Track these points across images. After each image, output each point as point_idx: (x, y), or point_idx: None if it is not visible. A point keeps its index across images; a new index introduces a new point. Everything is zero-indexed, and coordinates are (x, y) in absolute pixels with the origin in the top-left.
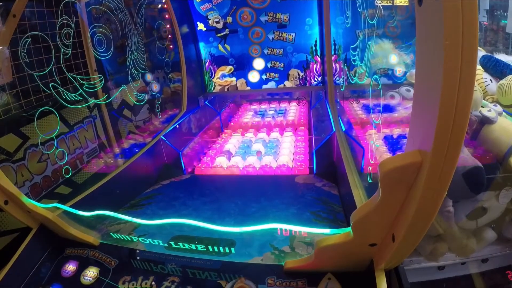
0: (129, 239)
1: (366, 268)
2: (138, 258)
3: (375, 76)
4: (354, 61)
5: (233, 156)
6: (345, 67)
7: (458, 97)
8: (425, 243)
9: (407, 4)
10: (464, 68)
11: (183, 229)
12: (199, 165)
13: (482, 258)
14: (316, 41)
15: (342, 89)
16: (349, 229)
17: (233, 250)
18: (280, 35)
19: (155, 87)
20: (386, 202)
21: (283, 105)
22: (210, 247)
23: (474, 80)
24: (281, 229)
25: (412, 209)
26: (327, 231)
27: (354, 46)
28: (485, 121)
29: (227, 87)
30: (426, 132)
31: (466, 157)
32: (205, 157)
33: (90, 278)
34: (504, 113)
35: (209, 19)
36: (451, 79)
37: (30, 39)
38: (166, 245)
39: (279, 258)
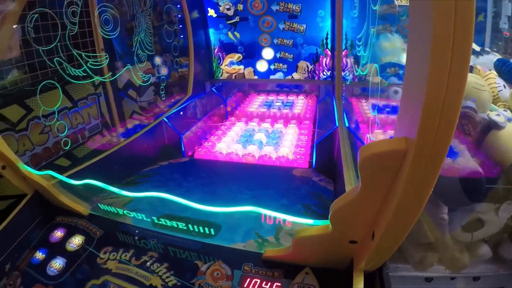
0: (116, 211)
1: (346, 267)
2: (120, 230)
3: (384, 74)
4: (361, 57)
5: (234, 144)
6: (355, 62)
7: (449, 80)
8: (414, 250)
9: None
10: (456, 50)
11: (174, 209)
12: (199, 149)
13: (474, 276)
14: (327, 34)
15: (350, 85)
16: (328, 221)
17: (212, 231)
18: (291, 25)
19: (163, 71)
20: (367, 193)
21: (291, 98)
22: (190, 226)
23: (467, 63)
24: (265, 216)
25: (393, 204)
26: (310, 221)
27: (360, 40)
28: (492, 125)
29: (234, 74)
30: (412, 118)
31: (466, 161)
32: (206, 142)
33: (75, 246)
34: None
35: (220, 6)
36: (441, 60)
37: (37, 15)
38: (150, 220)
39: (262, 246)
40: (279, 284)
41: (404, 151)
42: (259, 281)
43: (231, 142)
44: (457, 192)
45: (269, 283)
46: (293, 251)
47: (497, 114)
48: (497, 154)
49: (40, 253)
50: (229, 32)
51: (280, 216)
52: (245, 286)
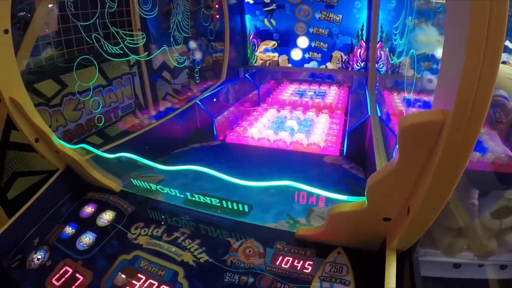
0: (148, 187)
1: (378, 248)
2: (152, 207)
3: (419, 68)
4: (398, 45)
5: (265, 129)
6: (390, 52)
7: (485, 54)
8: (444, 235)
9: None
10: (493, 23)
11: (206, 189)
12: (231, 133)
13: (501, 264)
14: (363, 26)
15: (383, 77)
16: (364, 198)
17: (246, 208)
18: (327, 15)
19: (197, 55)
20: (404, 165)
21: (323, 88)
22: (224, 202)
23: (503, 37)
24: (298, 194)
25: (430, 175)
26: (344, 197)
27: (397, 28)
28: None
29: (268, 62)
30: (450, 91)
31: (498, 144)
32: (237, 127)
33: (105, 221)
34: None
35: None
36: (478, 35)
37: None
38: (183, 196)
39: (293, 227)
40: (311, 262)
41: (441, 123)
42: (291, 259)
43: (262, 128)
44: (488, 175)
45: (301, 261)
46: (326, 228)
47: None
48: None
49: (70, 228)
50: (265, 19)
51: (316, 191)
52: (277, 263)
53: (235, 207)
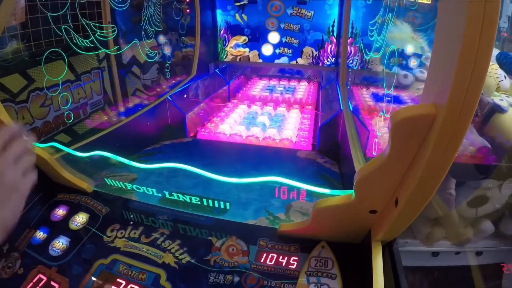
0: (123, 186)
1: (361, 240)
2: (127, 207)
3: (389, 64)
4: (374, 41)
5: (237, 125)
6: (364, 47)
7: (478, 49)
8: (422, 225)
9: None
10: (487, 19)
11: (181, 187)
12: (202, 130)
13: (477, 251)
14: (334, 22)
15: (355, 73)
16: (350, 191)
17: (228, 206)
18: (298, 11)
19: (167, 49)
20: (394, 158)
21: (293, 83)
22: (204, 201)
23: (495, 31)
24: (279, 190)
25: (421, 166)
26: (327, 191)
27: (374, 25)
28: (496, 109)
29: (239, 57)
30: (443, 85)
31: (475, 137)
32: (209, 123)
33: (79, 224)
34: None
35: None
36: (473, 30)
37: None
38: (160, 195)
39: (273, 223)
40: (296, 258)
41: (434, 116)
42: (275, 255)
43: (234, 124)
44: (467, 165)
45: (286, 257)
46: (311, 223)
47: (501, 99)
48: (500, 136)
49: (41, 233)
50: (237, 14)
51: (298, 185)
52: (262, 261)
53: (216, 205)
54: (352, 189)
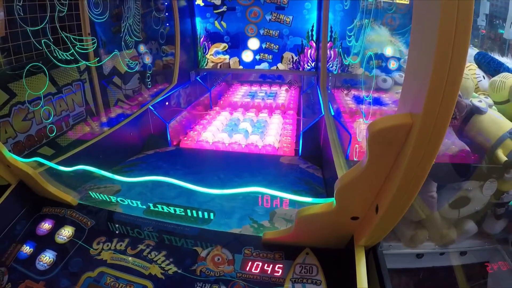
0: (108, 199)
1: (345, 246)
2: (113, 219)
3: (369, 67)
4: (352, 46)
5: (219, 133)
6: (343, 52)
7: (452, 58)
8: (406, 228)
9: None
10: (459, 27)
11: (165, 198)
12: (185, 138)
13: (461, 251)
14: (313, 26)
15: (335, 77)
16: (331, 199)
17: (212, 216)
18: (277, 16)
19: (148, 59)
20: (373, 167)
21: (274, 88)
22: (189, 211)
23: (468, 38)
24: (262, 198)
25: (399, 174)
26: (308, 199)
27: (352, 30)
28: (475, 110)
29: (219, 64)
30: (418, 94)
31: (455, 141)
32: (191, 131)
33: (65, 237)
34: (494, 107)
35: None
36: (446, 39)
37: None
38: (145, 207)
39: (258, 231)
40: (281, 265)
41: (410, 126)
42: (261, 263)
43: (216, 131)
44: (447, 168)
45: (271, 265)
46: (295, 231)
47: (479, 101)
48: (480, 137)
49: (28, 247)
50: (216, 22)
51: (281, 195)
52: (247, 269)
53: (200, 215)
54: (334, 187)
